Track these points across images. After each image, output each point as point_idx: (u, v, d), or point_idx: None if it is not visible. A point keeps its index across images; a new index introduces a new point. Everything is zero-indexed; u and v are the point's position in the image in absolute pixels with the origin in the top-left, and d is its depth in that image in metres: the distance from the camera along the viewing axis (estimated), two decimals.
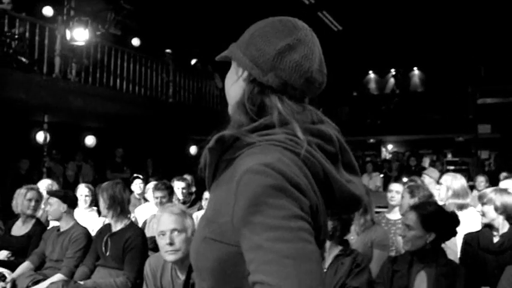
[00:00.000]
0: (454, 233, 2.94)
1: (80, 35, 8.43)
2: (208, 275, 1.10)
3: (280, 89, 1.16)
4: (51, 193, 4.30)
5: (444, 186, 4.21)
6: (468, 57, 13.44)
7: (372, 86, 18.68)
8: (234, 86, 1.23)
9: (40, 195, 4.64)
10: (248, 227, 0.97)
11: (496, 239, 3.46)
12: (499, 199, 3.46)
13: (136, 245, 3.58)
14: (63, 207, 4.11)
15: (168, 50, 12.22)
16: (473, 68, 14.19)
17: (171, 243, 2.67)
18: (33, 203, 4.50)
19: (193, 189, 6.75)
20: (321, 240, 1.09)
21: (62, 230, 4.10)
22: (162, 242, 2.70)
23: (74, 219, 4.19)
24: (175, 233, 2.70)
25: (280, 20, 1.24)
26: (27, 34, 8.14)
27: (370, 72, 18.44)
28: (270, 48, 1.16)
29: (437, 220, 2.84)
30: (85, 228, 4.14)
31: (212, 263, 1.09)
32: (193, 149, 13.22)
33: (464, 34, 12.50)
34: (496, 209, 3.42)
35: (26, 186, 4.67)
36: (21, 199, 4.50)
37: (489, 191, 3.57)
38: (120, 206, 3.70)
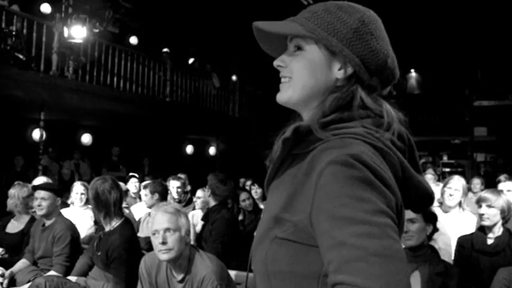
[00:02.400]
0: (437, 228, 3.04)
1: (77, 32, 8.42)
2: (281, 280, 1.02)
3: (362, 79, 1.09)
4: (44, 187, 4.19)
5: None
6: (465, 60, 13.46)
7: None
8: (315, 69, 1.10)
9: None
10: (331, 222, 0.90)
11: (490, 241, 3.47)
12: (506, 202, 3.47)
13: (119, 255, 3.36)
14: (58, 201, 4.08)
15: (165, 49, 12.21)
16: (470, 70, 14.21)
17: (164, 243, 2.67)
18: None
19: (189, 188, 6.76)
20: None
21: (46, 225, 4.03)
22: (156, 241, 2.70)
23: (59, 213, 4.12)
24: (169, 232, 2.70)
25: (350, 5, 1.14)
26: (24, 31, 8.11)
27: None
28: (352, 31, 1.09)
29: (433, 212, 2.97)
30: (68, 220, 4.06)
31: (286, 266, 1.01)
32: (189, 149, 13.22)
33: (462, 37, 12.52)
34: (502, 211, 3.42)
35: (19, 183, 4.65)
36: (18, 198, 4.49)
37: (493, 194, 3.55)
38: (105, 207, 3.51)
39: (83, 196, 5.01)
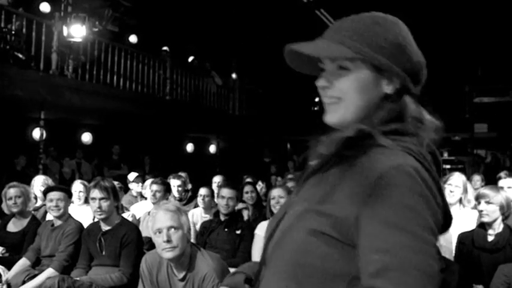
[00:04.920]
0: None
1: (77, 31, 8.42)
2: (308, 274, 1.02)
3: (409, 90, 1.13)
4: (58, 188, 4.32)
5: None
6: (465, 57, 13.45)
7: None
8: (364, 87, 1.11)
9: (23, 190, 4.61)
10: (383, 226, 0.93)
11: (490, 238, 3.47)
12: (505, 198, 3.47)
13: (132, 240, 3.59)
14: (69, 202, 4.20)
15: (165, 47, 12.20)
16: (470, 67, 14.21)
17: (169, 241, 2.66)
18: (14, 201, 4.48)
19: (189, 186, 6.76)
20: None
21: (56, 225, 4.10)
22: (159, 240, 2.69)
23: (69, 214, 4.20)
24: (172, 230, 2.69)
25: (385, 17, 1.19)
26: (24, 30, 8.11)
27: None
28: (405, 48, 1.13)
29: None
30: (78, 222, 4.14)
31: (318, 260, 1.01)
32: (190, 147, 13.21)
33: (462, 34, 12.51)
34: (502, 208, 3.42)
35: (8, 184, 4.68)
36: (4, 199, 4.54)
37: (492, 190, 3.55)
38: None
39: (81, 194, 5.06)
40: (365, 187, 0.98)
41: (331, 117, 1.14)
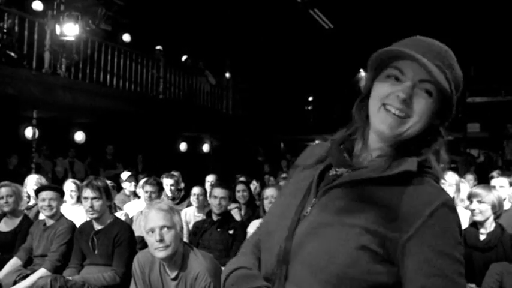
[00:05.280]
0: None
1: (70, 30, 8.38)
2: (355, 286, 1.10)
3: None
4: (51, 187, 4.30)
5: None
6: (458, 57, 13.50)
7: (363, 84, 18.67)
8: (432, 115, 1.18)
9: (15, 189, 4.58)
10: (436, 254, 1.07)
11: (482, 237, 3.49)
12: (497, 197, 3.48)
13: (125, 239, 3.59)
14: (61, 201, 4.20)
15: (158, 46, 12.17)
16: (463, 67, 14.21)
17: (161, 240, 2.66)
18: (5, 200, 4.45)
19: (182, 185, 6.75)
20: None
21: (48, 224, 4.08)
22: (152, 239, 2.69)
23: (61, 213, 4.18)
24: (165, 229, 2.69)
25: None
26: (16, 28, 8.06)
27: (361, 70, 18.49)
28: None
29: None
30: (71, 221, 4.12)
31: (366, 274, 1.09)
32: (183, 146, 13.19)
33: (455, 34, 12.56)
34: (493, 206, 3.44)
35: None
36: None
37: (484, 189, 3.56)
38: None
39: (73, 194, 5.03)
40: (416, 217, 1.09)
41: (391, 129, 1.16)
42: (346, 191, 1.17)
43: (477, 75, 14.50)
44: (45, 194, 4.08)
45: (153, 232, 2.69)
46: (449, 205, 1.11)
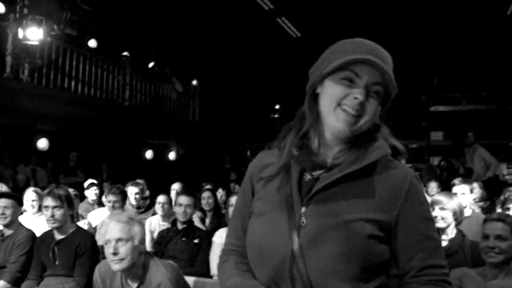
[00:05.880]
0: None
1: (33, 34, 8.23)
2: (369, 270, 1.23)
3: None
4: (6, 194, 4.15)
5: None
6: (421, 67, 13.78)
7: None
8: (379, 110, 1.32)
9: None
10: (423, 222, 1.28)
11: (444, 243, 3.54)
12: (458, 204, 3.54)
13: (87, 249, 3.51)
14: (19, 209, 4.05)
15: (125, 53, 12.05)
16: (427, 77, 14.55)
17: (115, 253, 2.62)
18: None
19: (147, 193, 6.67)
20: None
21: (6, 234, 3.94)
22: (107, 251, 2.66)
23: (19, 222, 4.05)
24: (121, 242, 2.65)
25: None
26: None
27: None
28: None
29: None
30: (30, 230, 3.99)
31: (379, 257, 1.25)
32: (149, 153, 13.06)
33: (419, 45, 12.83)
34: (455, 213, 3.49)
35: None
36: None
37: (445, 196, 3.63)
38: None
39: (34, 203, 4.88)
40: (399, 195, 1.27)
41: (348, 127, 1.26)
42: (334, 191, 1.26)
43: (440, 85, 14.83)
44: (0, 202, 3.94)
45: (109, 244, 2.65)
46: (416, 176, 1.31)
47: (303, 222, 1.23)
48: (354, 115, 1.24)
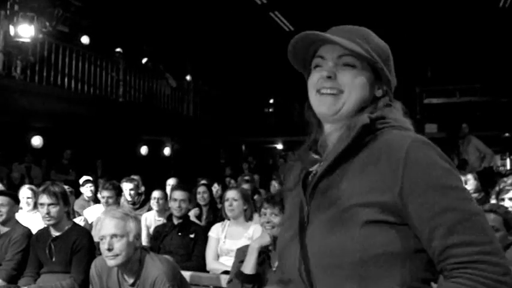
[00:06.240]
0: None
1: (25, 31, 8.19)
2: (373, 265, 1.05)
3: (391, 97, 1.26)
4: (2, 192, 4.16)
5: None
6: (415, 59, 13.81)
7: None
8: (365, 85, 1.22)
9: None
10: (431, 192, 1.04)
11: None
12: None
13: (83, 246, 3.51)
14: (16, 207, 4.03)
15: (118, 49, 12.01)
16: (420, 69, 14.58)
17: (110, 249, 2.63)
18: None
19: (143, 189, 6.66)
20: None
21: (2, 232, 3.94)
22: (103, 247, 2.66)
23: (16, 220, 4.05)
24: (115, 238, 2.65)
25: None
26: None
27: None
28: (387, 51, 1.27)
29: None
30: (26, 228, 3.99)
31: (380, 248, 1.05)
32: (144, 149, 13.04)
33: (412, 37, 12.85)
34: None
35: None
36: None
37: None
38: None
39: (30, 200, 4.88)
40: (396, 166, 1.07)
41: (329, 108, 1.21)
42: (330, 181, 1.16)
43: (433, 77, 14.87)
44: None
45: (104, 240, 2.65)
46: (418, 140, 1.10)
47: (306, 222, 1.17)
48: (330, 93, 1.20)
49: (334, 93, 1.19)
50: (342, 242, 1.07)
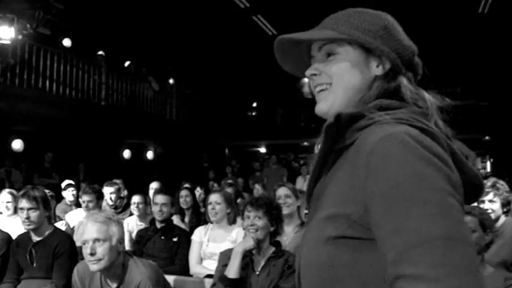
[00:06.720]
0: None
1: (4, 33, 8.09)
2: (343, 285, 0.90)
3: (401, 70, 1.09)
4: None
5: None
6: None
7: (306, 90, 19.00)
8: (354, 69, 1.07)
9: None
10: (386, 204, 0.82)
11: None
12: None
13: (65, 251, 3.47)
14: None
15: (100, 52, 11.92)
16: None
17: (92, 254, 2.60)
18: None
19: (125, 193, 6.62)
20: None
21: None
22: (85, 252, 2.64)
23: None
24: (98, 242, 2.63)
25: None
26: None
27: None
28: (381, 25, 1.10)
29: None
30: (6, 233, 3.92)
31: (345, 269, 0.90)
32: (126, 153, 12.96)
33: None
34: None
35: None
36: None
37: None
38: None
39: (9, 205, 4.80)
40: (360, 173, 0.89)
41: (321, 106, 1.10)
42: (320, 186, 1.06)
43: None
44: None
45: (86, 244, 2.63)
46: (391, 138, 0.87)
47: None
48: (320, 90, 1.10)
49: (323, 88, 1.10)
50: (309, 259, 0.97)
